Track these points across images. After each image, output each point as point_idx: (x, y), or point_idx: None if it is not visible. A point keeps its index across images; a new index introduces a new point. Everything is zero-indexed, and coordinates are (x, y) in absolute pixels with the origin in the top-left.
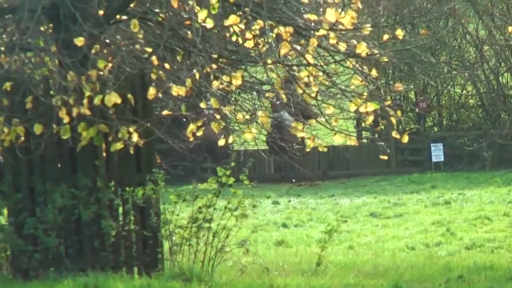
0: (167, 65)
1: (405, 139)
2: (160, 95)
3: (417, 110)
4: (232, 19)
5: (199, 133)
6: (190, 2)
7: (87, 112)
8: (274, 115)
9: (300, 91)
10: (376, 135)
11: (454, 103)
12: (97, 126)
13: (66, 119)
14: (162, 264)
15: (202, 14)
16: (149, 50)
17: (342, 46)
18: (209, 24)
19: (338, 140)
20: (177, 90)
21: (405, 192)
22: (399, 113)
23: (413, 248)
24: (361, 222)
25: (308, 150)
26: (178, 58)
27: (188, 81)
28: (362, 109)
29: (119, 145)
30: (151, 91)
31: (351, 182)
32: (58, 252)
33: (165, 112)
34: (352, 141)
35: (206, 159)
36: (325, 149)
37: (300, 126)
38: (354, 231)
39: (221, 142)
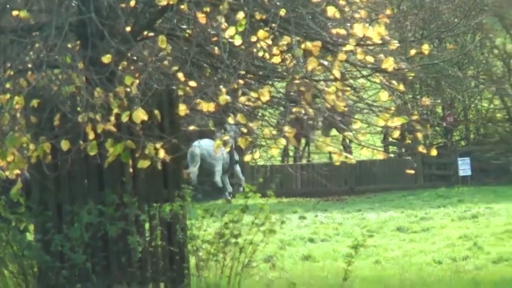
0: (193, 82)
1: (433, 152)
2: (187, 111)
3: (444, 124)
4: (260, 34)
5: (227, 149)
6: (218, 18)
7: (113, 128)
8: None
9: (328, 106)
10: (403, 150)
11: (481, 117)
12: (124, 143)
13: (91, 135)
14: (188, 279)
15: (230, 31)
16: (176, 66)
17: (369, 61)
18: (237, 40)
19: (365, 153)
20: (206, 106)
21: (432, 207)
22: (428, 127)
23: (440, 262)
24: (388, 237)
25: (337, 164)
26: (206, 74)
27: (222, 97)
28: (389, 123)
29: (146, 163)
30: (181, 107)
31: (378, 196)
32: (85, 269)
33: (192, 128)
34: (380, 155)
35: (232, 175)
36: (354, 162)
37: (328, 141)
38: (381, 245)
39: (248, 157)
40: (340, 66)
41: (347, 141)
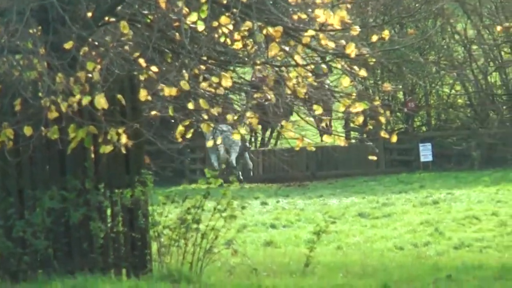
0: (155, 67)
1: (394, 139)
2: (149, 97)
3: (405, 110)
4: (222, 19)
5: (188, 135)
6: (179, 4)
7: (76, 108)
8: None
9: (289, 92)
10: (365, 135)
11: (442, 102)
12: (87, 128)
13: (54, 115)
14: (150, 265)
15: (192, 17)
16: (138, 52)
17: (331, 47)
18: (200, 26)
19: (326, 140)
20: (168, 91)
21: (394, 192)
22: (388, 112)
23: (401, 248)
24: (350, 223)
25: (297, 149)
26: (167, 59)
27: (183, 83)
28: (351, 109)
29: (108, 148)
30: (142, 93)
31: (340, 182)
32: (47, 255)
33: (153, 113)
34: (341, 141)
35: (194, 161)
36: (313, 149)
37: (290, 126)
38: (343, 231)
39: (210, 143)
40: (302, 51)
41: (325, 125)
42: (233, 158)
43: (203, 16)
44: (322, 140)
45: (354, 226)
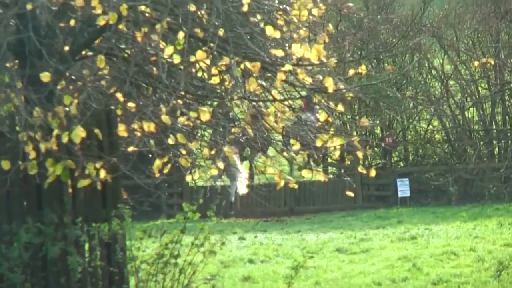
0: (132, 102)
1: (373, 173)
2: (127, 132)
3: (383, 145)
4: (199, 54)
5: (166, 170)
6: (155, 38)
7: (55, 147)
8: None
9: (267, 126)
10: (342, 171)
11: (420, 138)
12: (64, 162)
13: (32, 155)
14: None
15: (168, 50)
16: (115, 86)
17: (308, 81)
18: (176, 59)
19: (305, 174)
20: (147, 126)
21: (371, 227)
22: (367, 148)
23: (379, 283)
24: (328, 258)
25: (279, 187)
26: (145, 94)
27: (164, 117)
28: (328, 144)
29: (86, 182)
30: (120, 127)
31: (318, 217)
32: None
33: (131, 149)
34: (320, 176)
35: (172, 195)
36: (296, 186)
37: (268, 162)
38: (321, 267)
39: (188, 178)
40: (280, 86)
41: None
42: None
43: (179, 48)
44: (301, 176)
45: (332, 262)
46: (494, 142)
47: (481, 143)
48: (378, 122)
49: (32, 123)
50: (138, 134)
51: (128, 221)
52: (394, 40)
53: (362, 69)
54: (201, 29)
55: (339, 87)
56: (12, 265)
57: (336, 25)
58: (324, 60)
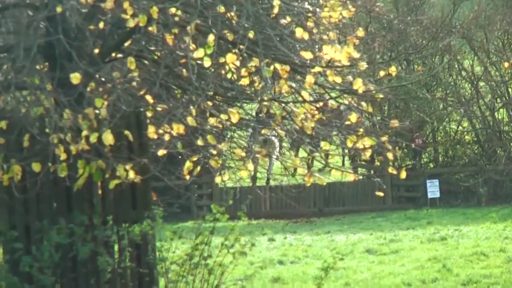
0: (162, 105)
1: (403, 174)
2: (155, 135)
3: (413, 146)
4: (229, 57)
5: (196, 172)
6: (186, 39)
7: (86, 147)
8: None
9: (297, 127)
10: (372, 172)
11: (449, 139)
12: (96, 163)
13: (63, 156)
14: None
15: (199, 53)
16: (145, 88)
17: (338, 83)
18: (207, 62)
19: (335, 174)
20: (176, 128)
21: (401, 229)
22: (397, 149)
23: (409, 284)
24: (357, 259)
25: (308, 185)
26: (175, 95)
27: (190, 120)
28: (358, 145)
29: (116, 182)
30: (150, 129)
31: (347, 218)
32: None
33: (160, 152)
34: (349, 177)
35: (201, 197)
36: (325, 182)
37: (298, 162)
38: (350, 267)
39: (218, 180)
40: (309, 87)
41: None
42: None
43: (209, 52)
44: (330, 176)
45: (362, 263)
46: None
47: (511, 144)
48: (408, 123)
49: (62, 126)
50: (167, 136)
51: (159, 222)
52: (424, 41)
53: (392, 70)
54: (230, 31)
55: (369, 88)
56: (43, 266)
57: (366, 26)
58: (355, 61)
